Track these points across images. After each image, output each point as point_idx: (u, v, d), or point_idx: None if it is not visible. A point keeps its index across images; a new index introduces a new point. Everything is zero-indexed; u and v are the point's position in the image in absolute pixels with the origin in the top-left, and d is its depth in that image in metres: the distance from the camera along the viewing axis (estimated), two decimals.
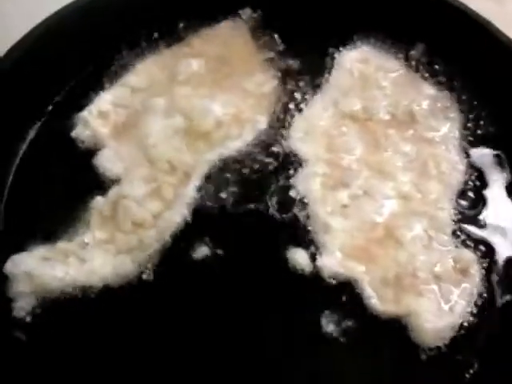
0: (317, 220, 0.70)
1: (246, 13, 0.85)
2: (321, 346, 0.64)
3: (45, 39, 0.75)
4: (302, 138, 0.76)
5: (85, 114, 0.76)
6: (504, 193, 0.74)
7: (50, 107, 0.79)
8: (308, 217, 0.70)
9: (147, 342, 0.64)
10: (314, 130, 0.76)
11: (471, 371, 0.63)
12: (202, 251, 0.68)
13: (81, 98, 0.78)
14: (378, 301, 0.65)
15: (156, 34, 0.84)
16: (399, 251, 0.68)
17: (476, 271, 0.67)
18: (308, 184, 0.72)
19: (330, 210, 0.70)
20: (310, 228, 0.70)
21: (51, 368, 0.62)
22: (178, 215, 0.70)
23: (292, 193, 0.72)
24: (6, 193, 0.73)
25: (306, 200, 0.71)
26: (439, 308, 0.65)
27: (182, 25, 0.84)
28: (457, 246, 0.69)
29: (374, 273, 0.67)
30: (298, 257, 0.68)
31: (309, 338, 0.64)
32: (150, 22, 0.83)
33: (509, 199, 0.73)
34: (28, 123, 0.77)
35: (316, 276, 0.66)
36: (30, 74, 0.74)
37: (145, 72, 0.81)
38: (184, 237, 0.69)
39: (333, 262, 0.67)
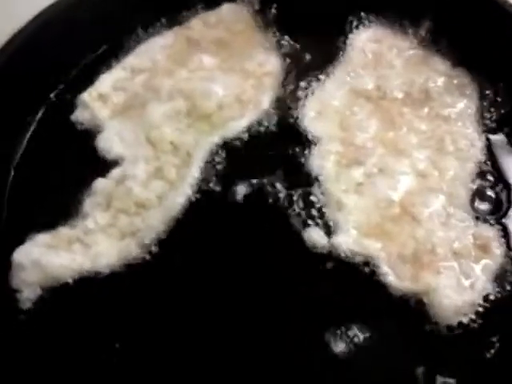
0: (331, 198, 0.69)
1: None
2: (338, 324, 0.62)
3: (47, 26, 0.75)
4: (315, 117, 0.75)
5: (84, 96, 0.76)
6: None
7: (54, 93, 0.79)
8: (322, 195, 0.69)
9: (154, 326, 0.63)
10: (327, 109, 0.75)
11: (492, 350, 0.61)
12: (207, 232, 0.68)
13: (83, 83, 0.78)
14: (395, 278, 0.64)
15: (162, 19, 0.84)
16: (416, 228, 0.66)
17: (496, 247, 0.65)
18: (322, 162, 0.71)
19: (344, 188, 0.69)
20: (324, 206, 0.68)
21: (57, 356, 0.62)
22: (182, 196, 0.69)
23: (305, 171, 0.71)
24: (10, 179, 0.73)
25: (320, 178, 0.70)
26: (459, 284, 0.63)
27: (185, 10, 0.84)
28: (476, 222, 0.67)
29: (390, 250, 0.65)
30: (314, 235, 0.66)
31: (326, 316, 0.63)
32: (153, 7, 0.83)
33: None
34: (32, 109, 0.77)
35: (331, 254, 0.65)
36: (31, 62, 0.74)
37: (145, 54, 0.80)
38: (189, 217, 0.68)
39: (348, 240, 0.66)
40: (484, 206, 0.69)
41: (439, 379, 0.59)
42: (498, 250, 0.65)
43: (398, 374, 0.61)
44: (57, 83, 0.79)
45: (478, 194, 0.69)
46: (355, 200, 0.68)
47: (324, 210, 0.68)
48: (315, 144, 0.73)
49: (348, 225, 0.66)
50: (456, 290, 0.63)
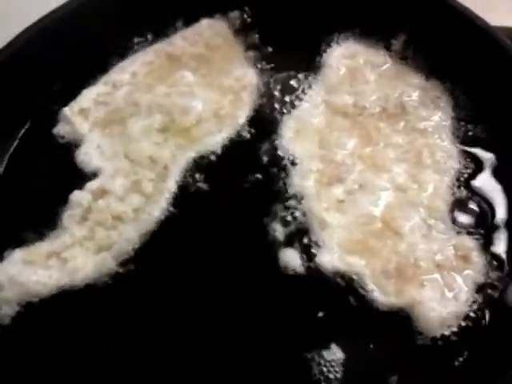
0: (313, 217, 0.69)
1: (232, 13, 0.87)
2: (325, 339, 0.63)
3: (33, 42, 0.76)
4: (293, 136, 0.76)
5: (66, 110, 0.77)
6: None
7: (37, 106, 0.80)
8: (304, 214, 0.70)
9: (132, 338, 0.64)
10: (305, 127, 0.76)
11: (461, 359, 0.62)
12: (182, 246, 0.69)
13: (67, 97, 0.79)
14: (380, 294, 0.64)
15: (144, 36, 0.86)
16: (398, 242, 0.67)
17: (477, 257, 0.67)
18: (302, 181, 0.72)
19: (326, 206, 0.70)
20: (306, 225, 0.69)
21: (38, 371, 0.62)
22: (158, 209, 0.70)
23: (286, 190, 0.72)
24: None
25: (300, 197, 0.71)
26: (443, 296, 0.64)
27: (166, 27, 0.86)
28: (456, 234, 0.68)
29: (374, 266, 0.66)
30: (292, 256, 0.67)
31: (312, 334, 0.63)
32: (136, 24, 0.85)
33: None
34: (16, 123, 0.79)
35: (316, 273, 0.66)
36: (16, 76, 0.76)
37: (127, 70, 0.82)
38: (164, 231, 0.69)
39: (332, 258, 0.66)
40: (463, 217, 0.70)
41: None
42: (478, 259, 0.67)
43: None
44: (41, 97, 0.80)
45: (457, 206, 0.70)
46: (337, 218, 0.69)
47: (307, 229, 0.69)
48: (295, 163, 0.74)
49: (332, 243, 0.67)
50: (440, 302, 0.64)
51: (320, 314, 0.64)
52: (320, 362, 0.62)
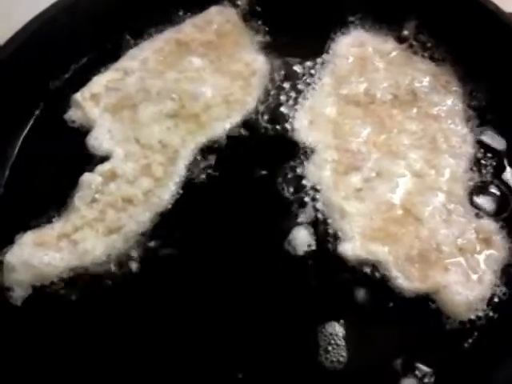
0: (332, 207, 0.69)
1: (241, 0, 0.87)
2: (353, 331, 0.63)
3: (45, 29, 0.77)
4: (307, 127, 0.75)
5: (77, 96, 0.78)
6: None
7: (50, 92, 0.81)
8: (323, 204, 0.69)
9: (143, 324, 0.64)
10: (318, 118, 0.76)
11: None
12: (191, 229, 0.69)
13: (79, 83, 0.80)
14: (405, 280, 0.64)
15: (158, 21, 0.86)
16: (420, 228, 0.67)
17: (499, 239, 0.66)
18: (319, 172, 0.71)
19: (344, 195, 0.69)
20: (325, 215, 0.69)
21: (49, 354, 0.63)
22: (168, 192, 0.71)
23: (303, 182, 0.71)
24: (5, 176, 0.75)
25: (318, 188, 0.70)
26: (468, 279, 0.64)
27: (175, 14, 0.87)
28: (477, 217, 0.68)
29: (397, 252, 0.65)
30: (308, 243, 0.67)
31: (340, 325, 0.63)
32: (147, 11, 0.85)
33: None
34: (29, 108, 0.80)
35: (340, 261, 0.65)
36: (30, 63, 0.77)
37: (137, 57, 0.83)
38: (174, 214, 0.70)
39: (354, 247, 0.66)
40: (483, 200, 0.70)
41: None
42: (501, 241, 0.66)
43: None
44: (54, 83, 0.81)
45: (475, 189, 0.70)
46: (357, 206, 0.68)
47: (326, 219, 0.68)
48: (310, 153, 0.73)
49: (353, 232, 0.67)
50: (465, 285, 0.63)
51: (343, 301, 0.64)
52: (335, 344, 0.62)
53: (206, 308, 0.64)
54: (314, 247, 0.67)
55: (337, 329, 0.62)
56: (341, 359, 0.61)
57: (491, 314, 0.63)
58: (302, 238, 0.68)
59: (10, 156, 0.76)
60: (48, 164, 0.76)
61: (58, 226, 0.69)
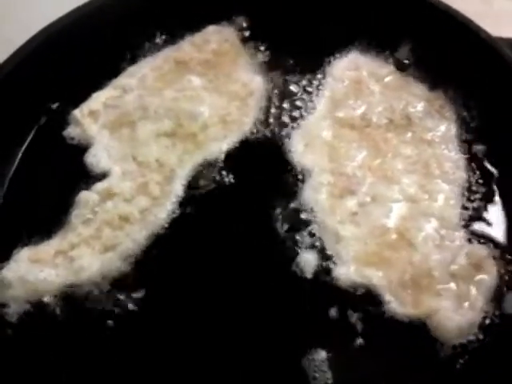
0: (327, 230, 0.70)
1: (238, 20, 0.88)
2: (344, 353, 0.64)
3: (45, 46, 0.78)
4: (302, 150, 0.76)
5: (76, 112, 0.79)
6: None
7: (50, 109, 0.82)
8: (319, 227, 0.70)
9: (137, 340, 0.65)
10: (314, 141, 0.77)
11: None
12: (188, 248, 0.70)
13: (78, 100, 0.81)
14: (397, 304, 0.65)
15: (157, 39, 0.88)
16: (413, 253, 0.68)
17: (490, 264, 0.68)
18: (315, 195, 0.72)
19: (339, 219, 0.70)
20: (320, 239, 0.70)
21: (44, 369, 0.63)
22: (165, 211, 0.72)
23: (298, 205, 0.72)
24: (4, 189, 0.76)
25: (314, 211, 0.71)
26: (459, 305, 0.65)
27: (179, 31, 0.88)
28: (469, 243, 0.69)
29: (390, 277, 0.66)
30: (305, 265, 0.68)
31: (330, 347, 0.64)
32: (147, 28, 0.87)
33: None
34: (28, 125, 0.80)
35: (333, 285, 0.66)
36: (28, 81, 0.77)
37: (136, 74, 0.83)
38: (171, 233, 0.71)
39: (348, 271, 0.67)
40: (475, 226, 0.71)
41: None
42: (492, 267, 0.68)
43: None
44: (53, 100, 0.82)
45: (468, 214, 0.72)
46: (352, 230, 0.69)
47: (321, 242, 0.69)
48: (306, 176, 0.74)
49: (348, 256, 0.68)
50: (457, 311, 0.64)
51: (334, 324, 0.65)
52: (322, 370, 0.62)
53: (192, 325, 0.66)
54: (309, 271, 0.68)
55: (324, 354, 0.63)
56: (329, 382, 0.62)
57: (482, 337, 0.64)
58: (305, 261, 0.68)
59: (7, 172, 0.77)
60: (46, 181, 0.76)
61: (54, 243, 0.69)
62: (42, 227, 0.71)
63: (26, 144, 0.79)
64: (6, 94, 0.75)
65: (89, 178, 0.75)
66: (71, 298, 0.66)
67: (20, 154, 0.78)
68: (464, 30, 0.77)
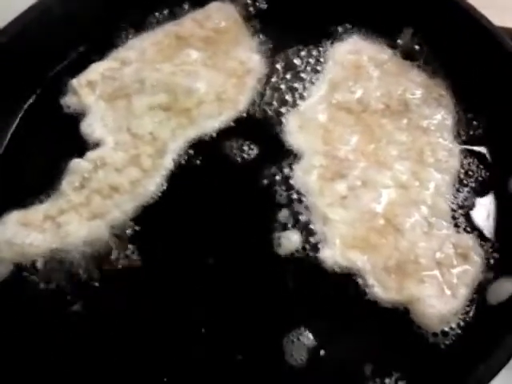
0: (316, 212, 0.70)
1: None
2: (324, 334, 0.64)
3: (45, 15, 0.79)
4: (297, 131, 0.76)
5: (74, 82, 0.80)
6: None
7: (49, 77, 0.83)
8: (307, 209, 0.70)
9: (129, 316, 0.66)
10: (309, 122, 0.77)
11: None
12: (175, 221, 0.71)
13: (77, 69, 0.81)
14: (380, 289, 0.65)
15: (154, 15, 0.88)
16: (400, 239, 0.68)
17: (476, 256, 0.68)
18: (305, 177, 0.72)
19: (329, 202, 0.70)
20: (309, 220, 0.70)
21: (26, 336, 0.65)
22: (154, 184, 0.72)
23: (289, 185, 0.72)
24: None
25: (303, 192, 0.71)
26: (442, 293, 0.65)
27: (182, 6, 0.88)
28: (457, 232, 0.69)
29: (375, 262, 0.67)
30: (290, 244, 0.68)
31: (313, 328, 0.64)
32: (147, 3, 0.87)
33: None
34: (26, 92, 0.81)
35: (318, 267, 0.67)
36: (29, 47, 0.78)
37: (136, 48, 0.84)
38: (159, 206, 0.72)
39: (334, 254, 0.67)
40: (464, 215, 0.71)
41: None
42: (477, 258, 0.68)
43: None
44: (52, 68, 0.83)
45: (458, 204, 0.71)
46: (340, 214, 0.69)
47: (309, 224, 0.69)
48: (299, 157, 0.74)
49: (334, 238, 0.68)
50: (439, 298, 0.65)
51: (318, 305, 0.66)
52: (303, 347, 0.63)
53: (177, 301, 0.66)
54: (296, 250, 0.68)
55: (305, 334, 0.64)
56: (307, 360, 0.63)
57: (463, 325, 0.64)
58: (287, 241, 0.69)
59: (4, 137, 0.78)
60: (41, 147, 0.78)
61: (43, 208, 0.71)
62: (33, 191, 0.72)
63: (23, 110, 0.81)
64: (4, 61, 0.76)
65: (83, 146, 0.76)
66: (56, 262, 0.67)
67: (17, 120, 0.80)
68: (466, 17, 0.76)
